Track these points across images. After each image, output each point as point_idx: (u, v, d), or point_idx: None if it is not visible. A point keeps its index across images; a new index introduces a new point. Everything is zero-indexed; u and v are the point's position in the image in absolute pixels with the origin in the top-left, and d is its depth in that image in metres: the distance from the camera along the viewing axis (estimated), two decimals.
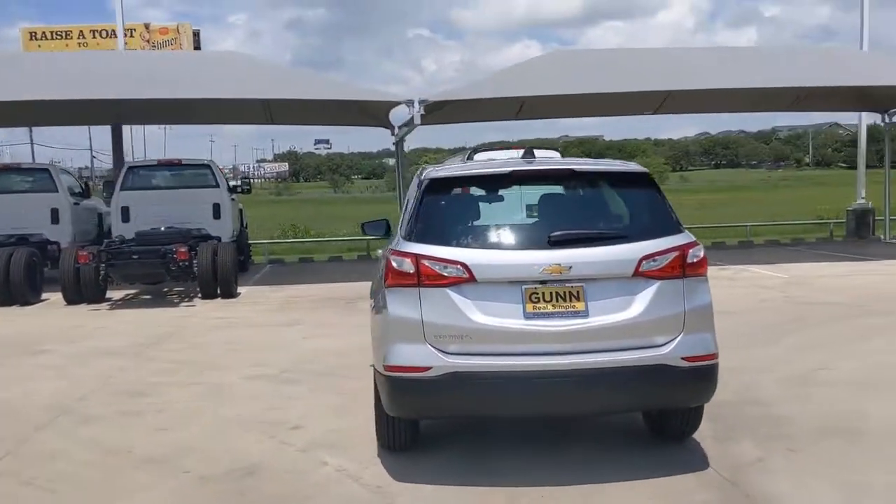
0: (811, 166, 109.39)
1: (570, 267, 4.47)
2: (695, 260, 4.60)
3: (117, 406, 6.62)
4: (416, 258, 4.56)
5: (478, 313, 4.49)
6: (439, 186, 4.88)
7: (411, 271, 4.56)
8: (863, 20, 20.24)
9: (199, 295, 13.02)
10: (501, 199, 5.07)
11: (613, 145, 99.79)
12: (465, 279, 4.48)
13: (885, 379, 6.79)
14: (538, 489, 4.57)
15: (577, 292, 4.50)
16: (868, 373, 6.99)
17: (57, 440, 5.78)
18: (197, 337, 9.74)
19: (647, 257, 4.54)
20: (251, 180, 19.30)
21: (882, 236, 19.90)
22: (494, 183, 5.08)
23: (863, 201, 20.60)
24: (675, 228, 4.71)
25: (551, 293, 4.49)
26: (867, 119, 21.13)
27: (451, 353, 4.49)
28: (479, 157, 6.53)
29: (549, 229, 4.69)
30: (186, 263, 12.62)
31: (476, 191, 5.07)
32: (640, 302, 4.53)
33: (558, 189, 5.11)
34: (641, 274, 4.53)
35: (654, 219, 4.77)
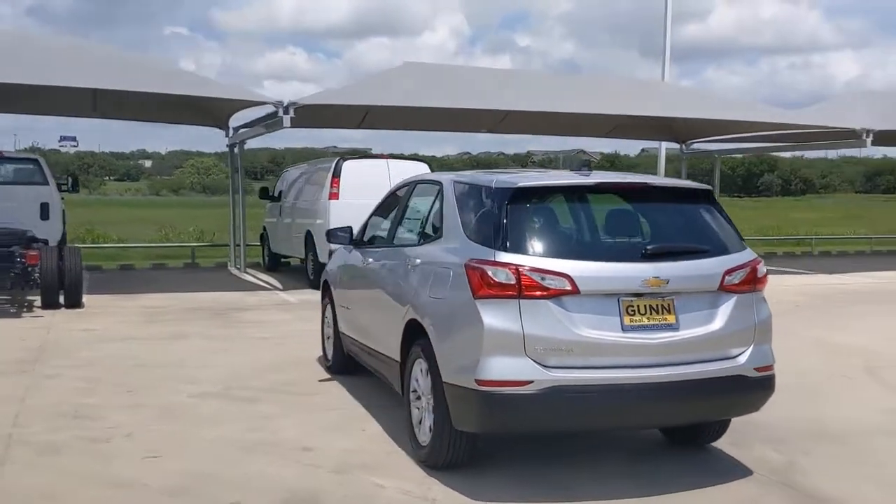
0: None
1: (668, 280, 4.55)
2: (761, 275, 4.86)
3: (70, 432, 5.81)
4: (517, 269, 4.43)
5: (581, 326, 4.45)
6: (524, 196, 4.77)
7: (511, 282, 4.43)
8: (666, 53, 22.12)
9: (38, 304, 11.69)
10: (586, 210, 5.04)
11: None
12: (568, 291, 4.43)
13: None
14: (614, 502, 4.58)
15: (669, 305, 4.60)
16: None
17: (37, 476, 4.95)
18: (80, 352, 8.73)
19: (728, 272, 4.73)
20: (78, 177, 17.44)
21: None
22: (577, 194, 5.05)
23: None
24: (741, 244, 4.95)
25: (646, 306, 4.55)
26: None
27: (551, 367, 4.42)
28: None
29: (639, 242, 4.75)
30: (31, 268, 11.28)
31: (559, 202, 4.99)
32: (722, 315, 4.71)
33: (632, 203, 5.13)
34: (724, 288, 4.72)
35: (725, 234, 4.97)
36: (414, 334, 5.32)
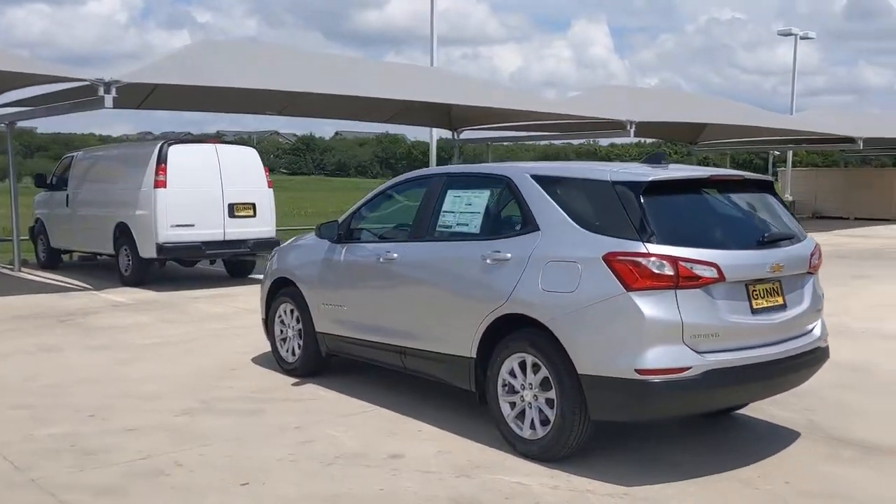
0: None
1: (783, 265, 4.98)
2: (820, 258, 5.47)
3: (105, 468, 4.96)
4: (675, 260, 4.60)
5: (724, 312, 4.74)
6: (655, 189, 4.90)
7: (669, 273, 4.59)
8: (433, 41, 22.83)
9: None
10: (702, 202, 5.25)
11: (60, 139, 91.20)
12: (716, 279, 4.68)
13: None
14: (729, 472, 4.96)
15: (779, 288, 5.03)
16: None
17: None
18: None
19: (811, 255, 5.28)
20: None
21: None
22: (694, 186, 5.25)
23: None
24: (803, 231, 5.51)
25: (764, 290, 4.95)
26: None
27: (704, 352, 4.66)
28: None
29: (752, 230, 5.13)
30: None
31: (679, 194, 5.16)
32: (807, 294, 5.26)
33: (731, 194, 5.41)
34: (810, 270, 5.27)
35: (793, 221, 5.50)
36: (502, 330, 5.26)
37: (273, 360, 7.59)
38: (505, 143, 25.02)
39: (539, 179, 5.38)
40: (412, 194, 6.65)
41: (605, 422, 4.98)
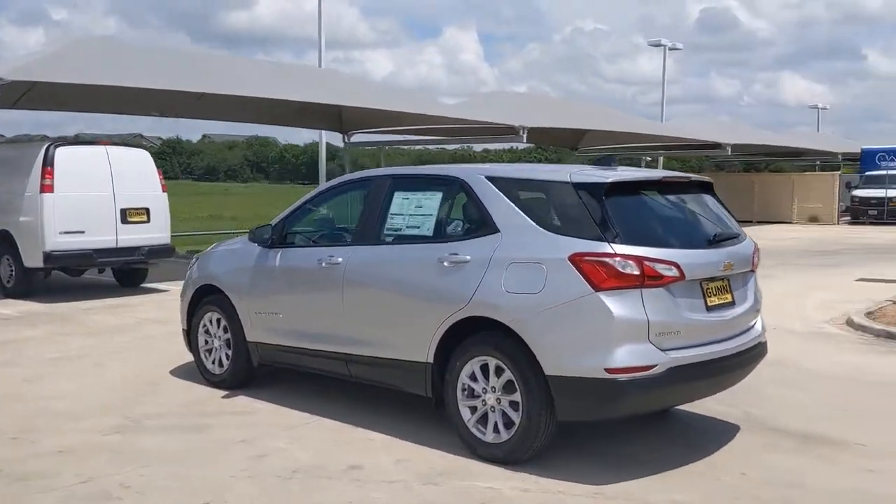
0: None
1: (733, 264, 5.15)
2: (759, 256, 5.70)
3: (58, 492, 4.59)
4: (640, 260, 4.68)
5: (683, 310, 4.86)
6: (616, 190, 4.96)
7: (636, 273, 4.67)
8: (321, 38, 22.45)
9: None
10: (655, 202, 5.33)
11: None
12: (677, 278, 4.80)
13: None
14: (689, 466, 5.10)
15: (728, 286, 5.20)
16: None
17: None
18: None
19: (754, 253, 5.49)
20: None
21: None
22: (647, 187, 5.32)
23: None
24: (742, 231, 5.71)
25: (716, 287, 5.11)
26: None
27: (667, 349, 4.77)
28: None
29: (702, 229, 5.27)
30: None
31: (635, 195, 5.22)
32: (751, 291, 5.48)
33: (677, 195, 5.52)
34: (752, 268, 5.47)
35: (733, 222, 5.68)
36: (460, 334, 5.22)
37: (195, 373, 7.26)
38: (396, 147, 24.93)
39: (495, 181, 5.36)
40: (351, 197, 6.51)
41: (570, 422, 5.01)
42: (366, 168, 16.78)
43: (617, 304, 4.65)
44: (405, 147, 36.38)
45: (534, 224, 5.06)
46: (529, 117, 19.88)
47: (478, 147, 65.98)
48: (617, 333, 4.65)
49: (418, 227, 5.68)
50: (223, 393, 6.77)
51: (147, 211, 12.69)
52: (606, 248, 4.72)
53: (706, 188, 5.68)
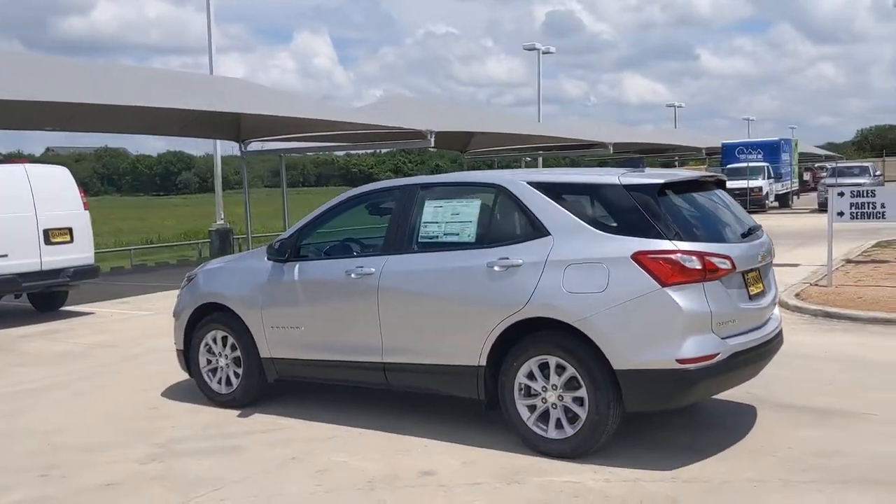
0: None
1: (766, 255, 5.54)
2: None
3: None
4: (701, 255, 4.97)
5: (735, 300, 5.19)
6: (667, 190, 5.22)
7: (698, 267, 4.95)
8: (210, 42, 21.91)
9: None
10: (694, 200, 5.59)
11: None
12: (730, 270, 5.12)
13: None
14: (741, 445, 5.46)
15: (759, 276, 5.58)
16: None
17: None
18: None
19: (770, 244, 5.91)
20: None
21: None
22: (688, 187, 5.58)
23: (222, 222, 22.37)
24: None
25: (753, 278, 5.47)
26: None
27: (725, 338, 5.08)
28: None
29: (736, 223, 5.61)
30: None
31: (680, 194, 5.47)
32: (773, 280, 5.88)
33: (706, 193, 5.81)
34: (772, 258, 5.88)
35: (748, 215, 6.07)
36: (513, 335, 5.35)
37: (190, 394, 7.08)
38: (294, 155, 24.52)
39: (537, 186, 5.53)
40: (368, 208, 6.52)
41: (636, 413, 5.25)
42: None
43: (684, 298, 4.92)
44: (311, 154, 35.69)
45: (587, 226, 5.26)
46: (429, 121, 20.11)
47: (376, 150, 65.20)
48: (685, 326, 4.92)
49: (457, 234, 5.76)
50: (236, 412, 6.61)
51: (70, 231, 12.08)
52: (668, 245, 4.99)
53: (722, 185, 6.06)
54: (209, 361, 6.89)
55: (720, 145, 36.47)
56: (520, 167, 36.52)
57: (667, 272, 4.93)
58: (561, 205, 5.40)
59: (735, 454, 5.28)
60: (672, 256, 4.95)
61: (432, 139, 18.88)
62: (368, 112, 20.66)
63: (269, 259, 6.53)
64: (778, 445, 5.40)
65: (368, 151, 67.41)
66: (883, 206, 11.48)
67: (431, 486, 4.90)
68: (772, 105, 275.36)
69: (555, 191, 5.48)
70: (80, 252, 12.20)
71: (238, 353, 6.69)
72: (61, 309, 12.79)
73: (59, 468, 5.46)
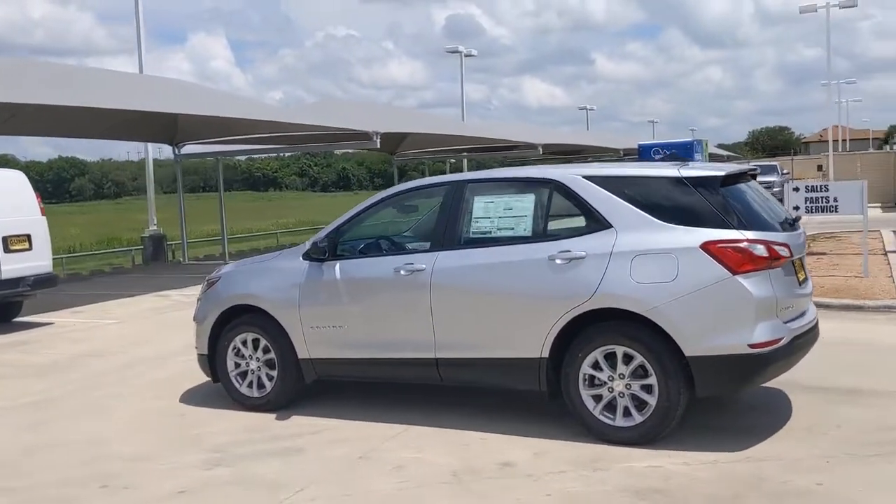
0: None
1: (808, 243, 5.82)
2: None
3: None
4: (767, 243, 5.20)
5: (791, 286, 5.45)
6: (727, 182, 5.43)
7: (765, 255, 5.18)
8: (140, 39, 21.17)
9: None
10: (748, 192, 5.78)
11: None
12: (788, 258, 5.37)
13: None
14: (791, 425, 5.73)
15: (801, 264, 5.86)
16: None
17: None
18: None
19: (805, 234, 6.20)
20: None
21: (181, 259, 21.46)
22: (739, 179, 5.77)
23: (155, 227, 21.71)
24: None
25: (797, 265, 5.74)
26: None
27: (786, 322, 5.33)
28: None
29: (781, 213, 5.87)
30: None
31: (735, 185, 5.66)
32: (807, 268, 6.17)
33: (748, 184, 6.01)
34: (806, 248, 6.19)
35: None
36: (576, 327, 5.46)
37: (212, 400, 6.94)
38: (235, 158, 23.97)
39: (594, 180, 5.66)
40: (402, 207, 6.55)
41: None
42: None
43: (754, 285, 5.14)
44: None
45: (650, 217, 5.41)
46: (367, 122, 20.06)
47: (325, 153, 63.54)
48: (756, 312, 5.14)
49: (512, 229, 5.84)
50: (272, 415, 6.49)
51: (29, 238, 11.56)
52: (736, 234, 5.19)
53: (755, 178, 6.33)
54: (237, 365, 6.75)
55: (637, 146, 37.56)
56: (446, 168, 36.79)
57: (737, 260, 5.13)
58: (621, 198, 5.54)
59: (790, 434, 5.53)
60: (741, 245, 5.16)
61: (378, 140, 18.86)
62: (306, 113, 20.46)
63: (304, 259, 6.46)
64: (826, 424, 5.68)
65: (287, 154, 66.55)
66: (836, 199, 12.15)
67: (520, 477, 4.97)
68: (665, 108, 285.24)
69: (613, 184, 5.62)
70: (39, 260, 11.69)
71: (272, 355, 6.58)
72: (15, 320, 12.20)
73: (118, 478, 5.27)
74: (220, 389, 6.92)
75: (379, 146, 19.03)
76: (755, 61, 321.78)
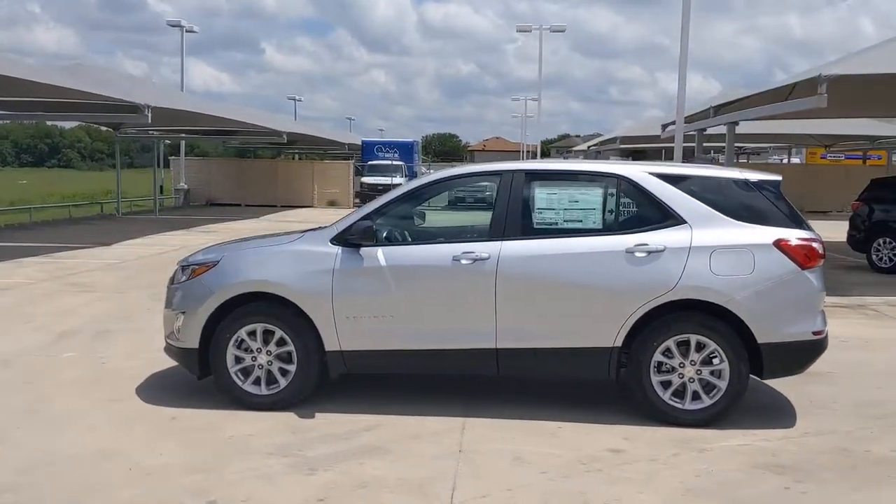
0: None
1: None
2: None
3: None
4: (821, 242, 5.85)
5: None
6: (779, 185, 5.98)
7: (822, 252, 5.82)
8: None
9: None
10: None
11: None
12: (822, 255, 6.07)
13: None
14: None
15: None
16: None
17: None
18: None
19: None
20: None
21: None
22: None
23: None
24: None
25: None
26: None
27: (821, 315, 6.03)
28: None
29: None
30: None
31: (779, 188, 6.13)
32: None
33: None
34: None
35: None
36: (649, 317, 5.71)
37: (208, 400, 6.14)
38: None
39: (661, 177, 5.92)
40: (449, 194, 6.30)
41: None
42: None
43: (817, 279, 5.77)
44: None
45: (723, 216, 5.80)
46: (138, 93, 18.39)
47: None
48: (818, 303, 5.78)
49: (580, 221, 5.92)
50: (292, 414, 5.89)
51: None
52: (803, 233, 5.78)
53: None
54: (239, 360, 6.02)
55: (361, 142, 38.27)
56: (160, 149, 34.38)
57: (805, 256, 5.71)
58: (691, 196, 5.86)
59: (815, 414, 6.12)
60: (810, 244, 5.75)
61: (149, 113, 17.33)
62: (62, 75, 18.05)
63: (335, 244, 5.95)
64: (840, 402, 6.43)
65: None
66: None
67: (642, 461, 5.09)
68: (332, 104, 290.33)
69: (681, 182, 5.92)
70: None
71: (288, 347, 5.97)
72: None
73: (205, 495, 4.50)
74: (173, 385, 6.39)
75: (149, 120, 17.45)
76: (417, 70, 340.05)
